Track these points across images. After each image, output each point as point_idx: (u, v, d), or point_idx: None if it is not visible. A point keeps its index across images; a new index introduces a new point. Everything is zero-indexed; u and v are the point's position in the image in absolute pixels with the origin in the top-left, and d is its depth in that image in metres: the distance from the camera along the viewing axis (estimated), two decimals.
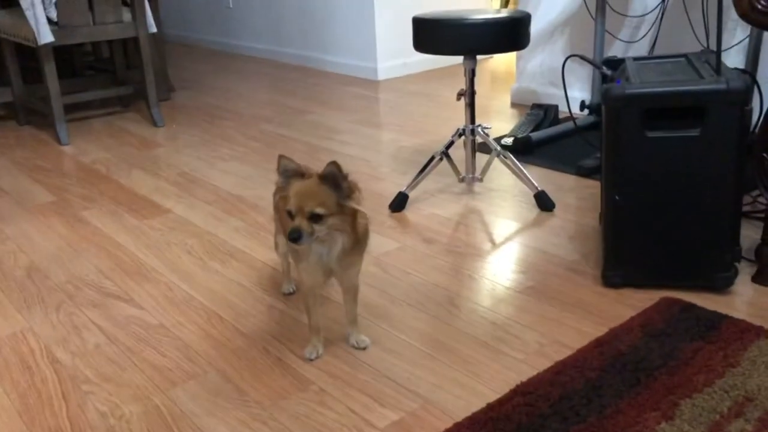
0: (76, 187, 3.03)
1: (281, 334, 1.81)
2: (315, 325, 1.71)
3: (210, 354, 1.74)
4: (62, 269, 2.26)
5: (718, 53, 1.85)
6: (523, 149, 3.06)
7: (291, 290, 2.02)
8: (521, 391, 1.50)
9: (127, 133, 3.87)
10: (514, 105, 4.07)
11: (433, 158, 2.61)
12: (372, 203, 2.60)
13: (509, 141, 3.11)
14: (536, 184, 2.54)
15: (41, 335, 1.87)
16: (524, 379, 1.55)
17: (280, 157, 1.56)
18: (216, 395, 1.58)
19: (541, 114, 3.40)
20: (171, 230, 2.53)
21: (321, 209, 1.48)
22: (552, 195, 2.54)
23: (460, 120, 2.67)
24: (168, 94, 4.61)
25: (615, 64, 2.11)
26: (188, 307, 1.98)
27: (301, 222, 1.48)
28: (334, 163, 1.48)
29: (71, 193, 2.97)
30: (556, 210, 2.51)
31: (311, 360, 1.68)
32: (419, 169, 2.63)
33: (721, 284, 1.85)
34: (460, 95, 2.56)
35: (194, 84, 5.12)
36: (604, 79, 2.07)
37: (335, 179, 1.49)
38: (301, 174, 1.54)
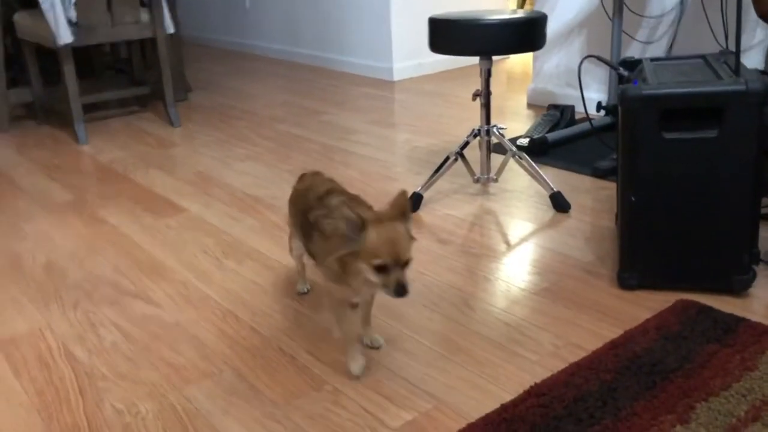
0: (94, 186, 3.06)
1: (296, 333, 1.82)
2: (351, 334, 1.64)
3: (225, 353, 1.75)
4: (79, 267, 2.28)
5: (737, 54, 1.83)
6: (538, 150, 3.05)
7: (305, 290, 2.02)
8: (535, 392, 1.50)
9: (145, 133, 3.90)
10: (530, 106, 4.05)
11: (447, 158, 2.61)
12: (386, 204, 2.59)
13: (525, 141, 3.10)
14: (552, 185, 2.53)
15: (58, 333, 1.89)
16: (538, 380, 1.54)
17: (341, 203, 1.50)
18: (231, 394, 1.59)
19: (558, 115, 3.39)
20: (187, 229, 2.54)
21: (410, 253, 1.41)
22: (567, 196, 2.53)
23: (476, 120, 2.67)
24: (185, 95, 4.64)
25: (632, 65, 2.10)
26: (204, 306, 1.99)
27: (401, 275, 1.38)
28: (404, 194, 1.42)
29: (89, 192, 3.00)
30: (571, 211, 2.50)
31: (359, 376, 1.61)
32: (434, 170, 2.62)
33: (739, 287, 1.83)
34: (475, 95, 2.56)
35: (210, 84, 5.15)
36: (621, 80, 2.06)
37: (407, 213, 1.44)
38: (363, 222, 1.39)
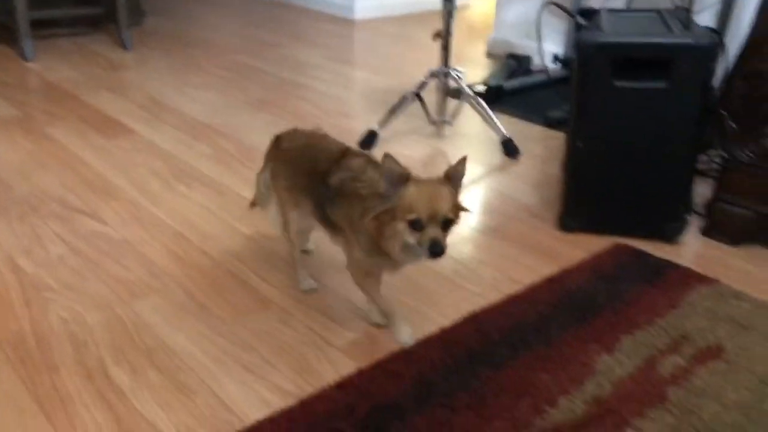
0: (42, 104, 2.98)
1: (246, 257, 1.85)
2: (392, 306, 1.50)
3: (174, 271, 1.77)
4: (26, 182, 2.24)
5: (690, 10, 1.89)
6: (494, 97, 3.09)
7: (312, 286, 1.70)
8: (474, 319, 1.57)
9: (96, 55, 3.78)
10: (489, 55, 4.08)
11: (405, 97, 2.63)
12: (342, 139, 2.60)
13: (481, 88, 3.13)
14: (504, 132, 2.59)
15: (4, 244, 1.87)
16: (478, 310, 1.62)
17: (385, 156, 1.29)
18: (179, 309, 1.61)
19: (515, 65, 3.43)
20: (138, 151, 2.51)
21: (452, 214, 1.29)
22: (519, 143, 2.59)
23: (436, 64, 2.68)
24: (139, 19, 4.49)
25: (590, 14, 2.14)
26: (153, 226, 1.99)
27: (437, 232, 1.27)
28: (463, 161, 1.31)
29: (36, 109, 2.92)
30: (522, 157, 2.56)
31: (411, 344, 1.48)
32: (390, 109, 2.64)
33: (671, 234, 1.93)
34: (436, 36, 2.57)
35: (166, 11, 4.99)
36: (579, 28, 2.10)
37: (458, 180, 1.32)
38: (406, 177, 1.30)
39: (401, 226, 1.29)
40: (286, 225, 1.66)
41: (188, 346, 1.49)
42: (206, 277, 1.75)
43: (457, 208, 1.31)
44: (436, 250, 1.26)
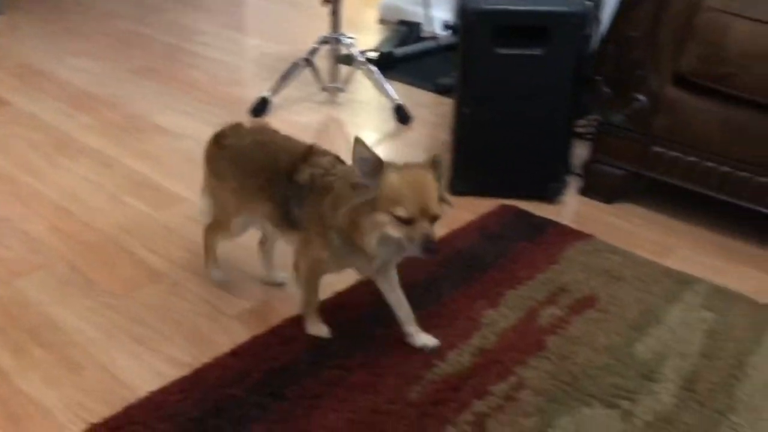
0: None
1: (134, 229, 1.80)
2: (316, 304, 1.44)
3: (58, 247, 1.71)
4: None
5: None
6: (386, 64, 3.11)
7: (223, 279, 1.60)
8: (367, 282, 1.61)
9: None
10: (381, 21, 4.09)
11: (296, 64, 2.61)
12: (234, 107, 2.57)
13: (373, 54, 3.15)
14: (396, 98, 2.63)
15: None
16: None
17: (356, 141, 1.19)
18: (64, 285, 1.57)
19: (407, 31, 3.46)
20: (14, 124, 2.38)
21: (439, 209, 1.19)
22: (411, 110, 2.64)
23: (327, 30, 2.68)
24: None
25: None
26: (34, 201, 1.90)
27: (428, 227, 1.16)
28: (438, 156, 1.23)
29: None
30: (413, 124, 2.61)
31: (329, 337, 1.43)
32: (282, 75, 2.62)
33: (552, 194, 2.04)
34: (325, 1, 2.56)
35: None
36: None
37: (440, 169, 1.23)
38: (379, 161, 1.20)
39: (384, 218, 1.18)
40: (218, 226, 1.53)
41: (76, 322, 1.45)
42: (93, 251, 1.70)
43: (442, 200, 1.22)
44: (431, 247, 1.16)
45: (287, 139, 1.45)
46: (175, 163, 2.15)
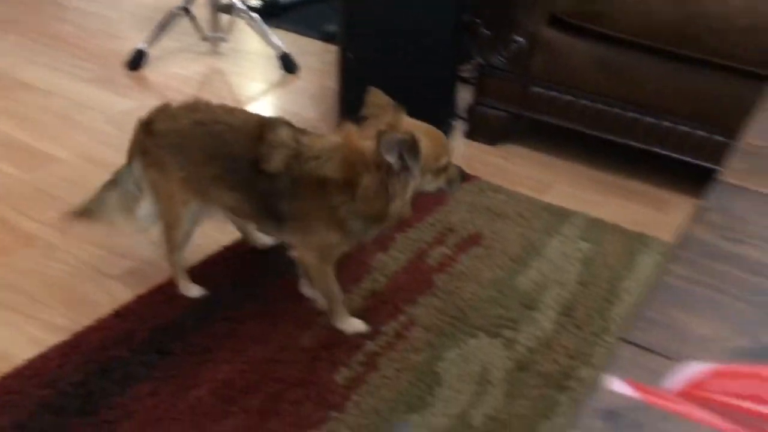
0: None
1: (4, 194, 1.69)
2: (339, 294, 1.36)
3: None
4: None
5: None
6: (270, 12, 3.03)
7: (200, 293, 1.41)
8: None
9: None
10: None
11: (172, 13, 2.49)
12: (107, 62, 2.43)
13: (257, 2, 3.05)
14: (282, 47, 2.56)
15: None
16: None
17: (381, 133, 1.15)
18: None
19: None
20: None
21: None
22: (297, 58, 2.59)
23: None
24: None
25: None
26: None
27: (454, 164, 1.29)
28: (375, 92, 1.32)
29: None
30: (299, 72, 2.56)
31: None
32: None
33: None
34: None
35: None
36: None
37: (398, 109, 1.32)
38: (414, 138, 1.16)
39: (429, 177, 1.24)
40: (169, 226, 1.35)
41: None
42: None
43: None
44: (465, 176, 1.33)
45: (228, 112, 1.30)
46: (45, 121, 2.02)
